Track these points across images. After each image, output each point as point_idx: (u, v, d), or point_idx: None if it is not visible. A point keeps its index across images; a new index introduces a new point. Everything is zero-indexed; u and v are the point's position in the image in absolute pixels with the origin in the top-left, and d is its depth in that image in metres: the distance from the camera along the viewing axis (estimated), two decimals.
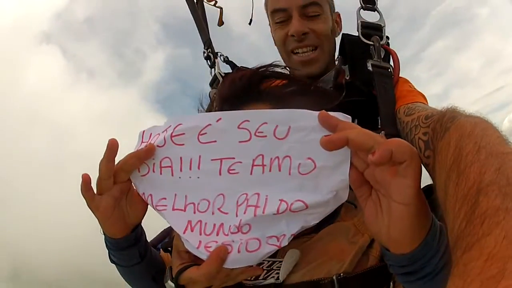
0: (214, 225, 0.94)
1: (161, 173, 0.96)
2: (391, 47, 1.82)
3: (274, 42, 1.98)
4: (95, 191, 1.03)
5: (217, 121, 0.91)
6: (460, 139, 0.86)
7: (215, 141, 0.92)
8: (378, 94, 1.59)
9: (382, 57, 1.69)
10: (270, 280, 1.06)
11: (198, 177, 0.95)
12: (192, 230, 0.94)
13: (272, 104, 1.15)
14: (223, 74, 2.08)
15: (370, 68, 1.64)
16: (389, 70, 1.68)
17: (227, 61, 2.13)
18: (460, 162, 0.78)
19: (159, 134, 0.96)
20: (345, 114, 0.92)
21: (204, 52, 2.21)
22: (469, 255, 0.57)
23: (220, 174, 0.93)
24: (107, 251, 1.18)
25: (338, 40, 1.96)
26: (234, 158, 0.92)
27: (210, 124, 0.91)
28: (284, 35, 1.83)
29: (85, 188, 1.02)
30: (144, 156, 0.97)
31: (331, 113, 0.90)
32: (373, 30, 1.77)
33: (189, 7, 2.29)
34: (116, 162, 0.98)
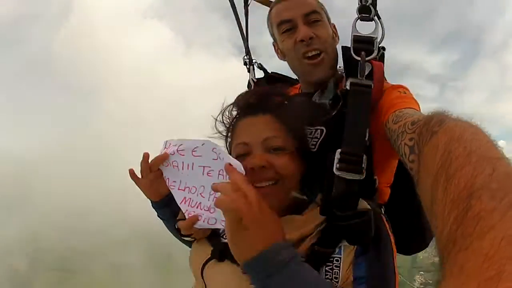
0: (196, 202, 1.59)
1: (173, 168, 1.61)
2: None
3: (280, 56, 2.30)
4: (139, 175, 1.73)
5: (202, 145, 1.54)
6: (448, 142, 0.93)
7: (201, 156, 1.55)
8: (347, 114, 1.67)
9: (366, 73, 1.74)
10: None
11: (192, 174, 1.58)
12: (185, 203, 1.60)
13: (273, 116, 1.64)
14: (255, 80, 2.75)
15: (347, 86, 1.73)
16: (370, 86, 1.72)
17: (260, 67, 2.72)
18: (449, 166, 0.85)
19: (172, 146, 1.60)
20: (241, 167, 1.44)
21: (243, 58, 2.91)
22: (464, 256, 0.63)
23: (202, 174, 1.56)
24: (155, 211, 1.89)
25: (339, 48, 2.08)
26: (210, 167, 1.55)
27: (197, 146, 1.55)
28: (293, 42, 2.06)
29: (132, 177, 1.74)
30: (162, 159, 1.61)
31: (231, 167, 1.42)
32: (364, 44, 1.83)
33: (235, 16, 2.97)
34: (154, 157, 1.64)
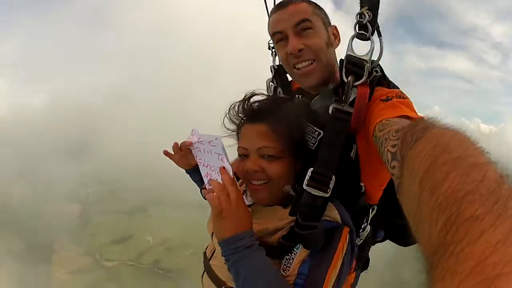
0: (214, 178, 1.86)
1: (198, 151, 1.97)
2: None
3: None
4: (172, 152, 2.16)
5: (215, 139, 1.88)
6: (434, 148, 0.92)
7: (215, 146, 1.89)
8: (323, 137, 1.84)
9: (350, 99, 1.83)
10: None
11: (211, 157, 1.92)
12: (206, 176, 1.90)
13: (269, 127, 1.83)
14: (275, 67, 2.61)
15: (330, 111, 1.83)
16: (350, 114, 1.81)
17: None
18: (435, 172, 0.83)
19: (195, 137, 1.97)
20: (230, 170, 1.79)
21: (268, 43, 2.68)
22: (456, 261, 0.62)
23: (218, 159, 1.89)
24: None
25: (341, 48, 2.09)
26: (222, 155, 1.86)
27: (212, 140, 1.89)
28: (285, 53, 2.09)
29: (165, 154, 2.17)
30: (188, 144, 1.96)
31: (224, 170, 1.80)
32: (354, 67, 1.84)
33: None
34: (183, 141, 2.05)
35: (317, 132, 1.96)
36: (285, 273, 1.75)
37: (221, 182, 1.80)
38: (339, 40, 2.21)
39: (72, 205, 53.03)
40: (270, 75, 2.73)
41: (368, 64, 1.83)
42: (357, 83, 1.83)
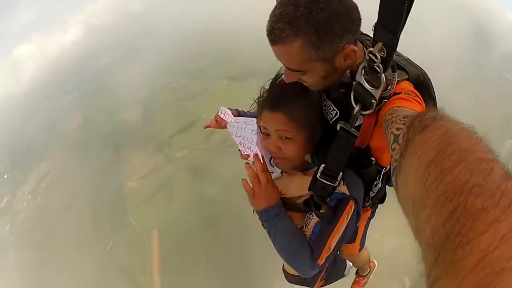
0: (247, 146, 2.45)
1: (231, 126, 2.47)
2: None
3: None
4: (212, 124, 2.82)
5: (251, 120, 2.43)
6: (443, 137, 0.96)
7: (250, 124, 2.40)
8: (333, 147, 2.06)
9: (356, 124, 1.97)
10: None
11: (244, 130, 2.42)
12: (240, 144, 2.48)
13: (285, 115, 2.31)
14: None
15: (337, 128, 2.02)
16: (356, 136, 1.98)
17: None
18: (443, 159, 0.88)
19: (228, 114, 2.54)
20: (261, 155, 2.54)
21: None
22: (462, 253, 0.65)
23: (251, 132, 2.39)
24: None
25: None
26: (255, 130, 2.39)
27: (248, 120, 2.42)
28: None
29: (206, 127, 2.85)
30: (222, 122, 2.64)
31: (257, 156, 2.52)
32: (363, 98, 1.88)
33: None
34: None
35: (335, 112, 2.34)
36: (305, 228, 2.52)
37: (253, 153, 2.47)
38: (352, 58, 2.03)
39: (131, 110, 50.39)
40: None
41: (375, 102, 1.83)
42: (364, 113, 1.92)
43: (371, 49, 1.74)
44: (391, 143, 1.44)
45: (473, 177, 0.77)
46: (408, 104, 1.81)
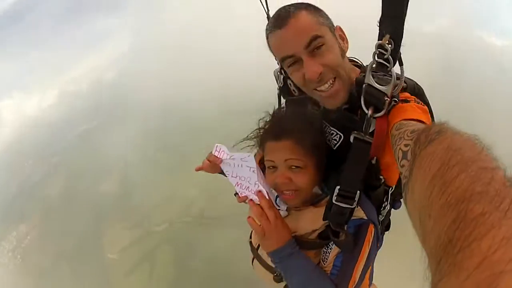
0: (245, 186, 2.21)
1: (226, 165, 2.21)
2: None
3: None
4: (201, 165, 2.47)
5: (248, 156, 2.18)
6: (446, 150, 0.98)
7: (247, 161, 2.14)
8: (347, 161, 1.95)
9: (370, 130, 1.90)
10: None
11: (241, 169, 2.18)
12: (237, 185, 2.23)
13: (293, 142, 2.14)
14: None
15: (351, 139, 1.92)
16: (370, 143, 1.90)
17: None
18: (446, 172, 0.90)
19: (223, 151, 2.23)
20: (265, 191, 2.26)
21: None
22: (463, 256, 0.67)
23: (249, 170, 2.16)
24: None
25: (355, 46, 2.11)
26: (254, 168, 2.16)
27: (245, 157, 2.18)
28: (302, 77, 2.03)
29: (197, 169, 2.41)
30: (217, 161, 2.25)
31: (261, 194, 2.24)
32: (375, 99, 1.85)
33: None
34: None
35: (338, 135, 2.27)
36: (324, 263, 2.23)
37: (253, 193, 2.22)
38: (347, 42, 2.13)
39: (112, 179, 50.07)
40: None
41: (388, 100, 1.83)
42: (376, 115, 1.88)
43: (380, 42, 1.78)
44: (400, 159, 1.44)
45: (474, 185, 0.79)
46: (417, 113, 1.80)
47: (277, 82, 2.77)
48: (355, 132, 1.92)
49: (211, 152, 2.34)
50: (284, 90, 2.74)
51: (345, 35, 2.12)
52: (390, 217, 2.78)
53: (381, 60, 1.83)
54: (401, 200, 2.63)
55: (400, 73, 1.92)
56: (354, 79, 2.10)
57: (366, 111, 1.89)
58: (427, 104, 2.20)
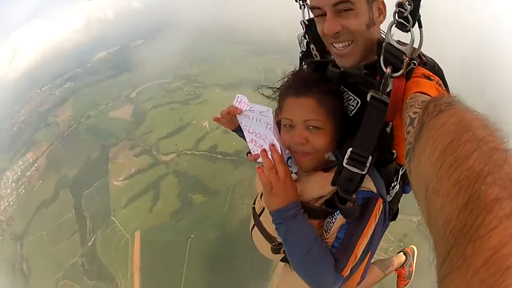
0: (260, 144, 2.16)
1: (245, 117, 2.16)
2: None
3: None
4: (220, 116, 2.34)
5: (267, 110, 2.11)
6: (458, 124, 0.96)
7: (266, 116, 2.11)
8: (362, 122, 1.91)
9: (388, 90, 1.87)
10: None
11: (258, 124, 2.15)
12: (251, 142, 2.18)
13: (314, 100, 2.06)
14: (306, 22, 2.65)
15: (368, 98, 1.89)
16: (387, 104, 1.86)
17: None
18: (458, 147, 0.88)
19: (244, 102, 2.16)
20: (279, 147, 2.15)
21: None
22: (472, 250, 0.65)
23: (266, 128, 2.13)
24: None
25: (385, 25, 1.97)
26: (271, 125, 2.11)
27: (264, 110, 2.11)
28: (322, 30, 2.07)
29: (214, 119, 2.41)
30: (237, 111, 2.16)
31: (274, 147, 2.14)
32: (393, 58, 1.85)
33: None
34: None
35: (356, 101, 2.19)
36: (326, 234, 2.11)
37: (268, 152, 2.16)
38: (384, 16, 2.12)
39: (123, 108, 51.07)
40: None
41: (407, 59, 1.82)
42: (394, 74, 1.86)
43: (400, 0, 1.75)
44: (407, 125, 1.45)
45: (487, 166, 0.77)
46: (434, 91, 1.78)
47: (300, 46, 2.77)
48: (372, 90, 1.89)
49: (233, 104, 2.24)
50: (306, 55, 2.73)
51: (384, 9, 2.09)
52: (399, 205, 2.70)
53: (401, 20, 1.78)
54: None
55: (420, 36, 1.87)
56: (374, 56, 2.05)
57: (385, 70, 1.86)
58: (447, 88, 2.20)
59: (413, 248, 4.78)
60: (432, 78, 1.93)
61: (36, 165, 47.31)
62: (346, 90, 2.24)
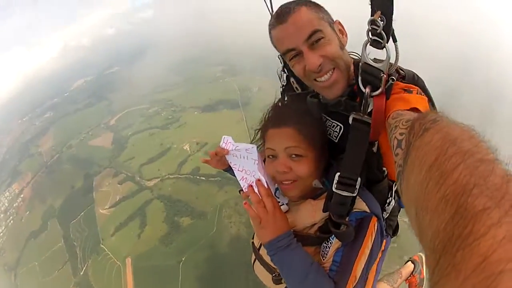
0: (250, 180, 2.09)
1: (233, 156, 2.12)
2: None
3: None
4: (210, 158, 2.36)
5: (252, 147, 2.04)
6: (443, 140, 0.93)
7: (251, 153, 2.04)
8: (347, 145, 1.89)
9: (369, 110, 1.83)
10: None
11: (246, 162, 2.13)
12: (242, 179, 2.12)
13: (294, 129, 2.01)
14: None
15: (350, 121, 1.86)
16: (369, 124, 1.84)
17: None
18: (443, 163, 0.85)
19: (230, 143, 2.14)
20: (265, 180, 2.03)
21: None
22: (462, 256, 0.63)
23: (253, 164, 2.08)
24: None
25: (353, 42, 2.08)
26: (257, 160, 2.07)
27: (249, 148, 2.07)
28: (302, 68, 1.97)
29: (204, 161, 2.44)
30: (225, 152, 2.12)
31: (260, 182, 2.04)
32: (371, 77, 1.81)
33: None
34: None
35: (338, 127, 2.21)
36: (323, 259, 2.05)
37: (254, 187, 2.10)
38: (346, 36, 2.12)
39: (103, 135, 51.39)
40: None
41: (384, 75, 1.78)
42: (374, 93, 1.82)
43: (372, 17, 1.73)
44: (395, 148, 1.39)
45: (473, 178, 0.74)
46: (415, 102, 1.78)
47: (280, 80, 2.70)
48: (354, 112, 1.87)
49: (219, 145, 2.20)
50: (287, 89, 2.67)
51: (344, 29, 2.10)
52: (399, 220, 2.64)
53: (375, 37, 1.74)
54: None
55: (395, 51, 1.83)
56: (351, 78, 2.05)
57: (364, 90, 1.81)
58: (429, 96, 2.14)
59: (420, 256, 4.48)
60: (411, 89, 1.91)
61: (22, 196, 48.01)
62: (328, 118, 2.25)
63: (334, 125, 2.21)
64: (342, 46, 2.01)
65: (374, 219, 1.98)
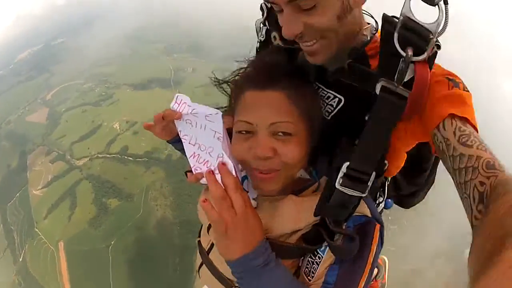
0: (204, 159, 1.55)
1: (186, 123, 1.56)
2: None
3: None
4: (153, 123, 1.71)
5: (215, 113, 1.49)
6: (507, 214, 0.88)
7: (213, 122, 1.50)
8: (367, 127, 1.39)
9: (406, 79, 1.35)
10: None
11: (203, 133, 1.54)
12: (193, 157, 1.56)
13: (285, 95, 1.47)
14: (268, 5, 1.87)
15: (377, 90, 1.37)
16: (405, 98, 1.36)
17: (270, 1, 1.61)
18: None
19: (185, 103, 1.56)
20: (233, 167, 1.45)
21: None
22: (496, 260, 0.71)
23: (213, 137, 1.52)
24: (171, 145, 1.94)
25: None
26: (220, 133, 1.50)
27: (211, 114, 1.50)
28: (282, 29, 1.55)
29: (146, 127, 1.72)
30: (176, 116, 1.51)
31: (225, 168, 1.44)
32: (415, 36, 1.33)
33: None
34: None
35: (336, 99, 1.67)
36: (309, 279, 1.55)
37: (216, 173, 1.49)
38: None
39: (39, 111, 52.67)
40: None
41: (434, 38, 1.32)
42: (416, 58, 1.33)
43: None
44: (477, 202, 1.10)
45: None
46: (471, 111, 1.36)
47: (258, 35, 2.09)
48: (384, 79, 1.36)
49: (171, 106, 1.59)
50: (265, 46, 2.03)
51: None
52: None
53: None
54: (392, 198, 2.33)
55: (445, 16, 1.32)
56: (361, 37, 1.60)
57: (403, 52, 1.32)
58: None
59: (384, 259, 4.23)
60: (456, 80, 1.43)
61: None
62: (321, 86, 1.74)
63: (330, 97, 1.68)
64: (344, 12, 1.45)
65: (378, 226, 1.55)
